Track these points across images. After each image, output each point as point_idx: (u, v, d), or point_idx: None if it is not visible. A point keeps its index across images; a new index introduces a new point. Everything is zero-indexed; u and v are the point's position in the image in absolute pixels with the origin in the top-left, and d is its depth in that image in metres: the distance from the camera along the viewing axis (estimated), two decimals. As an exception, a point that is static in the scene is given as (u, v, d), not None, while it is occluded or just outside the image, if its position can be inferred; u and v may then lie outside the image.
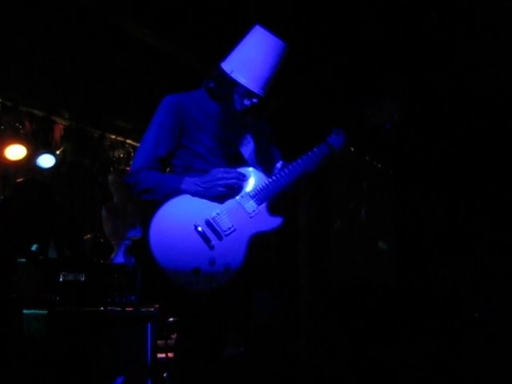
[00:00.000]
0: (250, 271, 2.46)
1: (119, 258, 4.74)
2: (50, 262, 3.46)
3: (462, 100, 6.09)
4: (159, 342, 3.89)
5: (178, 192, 2.47)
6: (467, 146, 6.76)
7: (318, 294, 6.30)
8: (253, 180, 2.53)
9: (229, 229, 2.43)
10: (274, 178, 2.54)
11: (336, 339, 6.02)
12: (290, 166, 2.58)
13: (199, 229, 2.41)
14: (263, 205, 2.48)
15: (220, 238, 2.41)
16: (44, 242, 3.81)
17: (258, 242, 2.45)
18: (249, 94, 2.57)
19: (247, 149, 2.64)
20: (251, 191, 2.50)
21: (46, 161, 5.49)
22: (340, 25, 5.11)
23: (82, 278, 3.45)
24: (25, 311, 3.12)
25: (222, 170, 2.48)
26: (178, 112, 2.58)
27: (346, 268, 7.03)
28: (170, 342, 4.15)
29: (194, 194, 2.47)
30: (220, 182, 2.44)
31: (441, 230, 7.11)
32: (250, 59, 2.57)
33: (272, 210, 2.50)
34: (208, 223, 2.43)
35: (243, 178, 2.50)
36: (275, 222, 2.48)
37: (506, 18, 4.91)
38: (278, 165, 2.71)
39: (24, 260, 3.31)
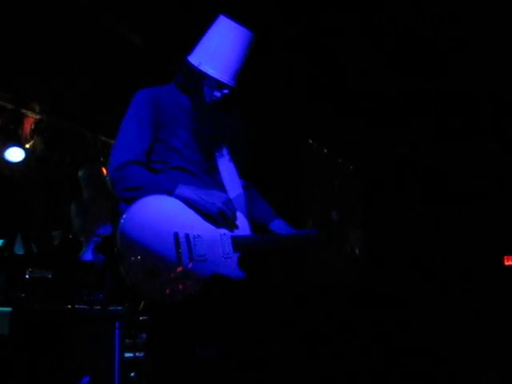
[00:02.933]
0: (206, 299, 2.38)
1: (88, 255, 4.68)
2: (16, 259, 3.40)
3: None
4: (127, 340, 3.84)
5: (169, 194, 2.38)
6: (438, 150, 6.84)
7: (291, 295, 6.29)
8: (239, 226, 2.49)
9: (201, 256, 2.34)
10: (258, 237, 2.56)
11: (309, 341, 6.02)
12: (279, 236, 2.67)
13: (178, 238, 2.30)
14: (236, 254, 2.44)
15: (191, 259, 2.31)
16: (10, 237, 3.74)
17: (219, 280, 2.38)
18: (219, 85, 2.54)
19: (232, 186, 2.59)
20: (234, 235, 2.46)
21: (15, 154, 5.39)
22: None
23: (50, 275, 3.39)
24: (-12, 309, 3.05)
25: (228, 198, 2.46)
26: (155, 105, 2.51)
27: (319, 269, 7.05)
28: (138, 341, 4.11)
29: (185, 200, 2.38)
30: (220, 205, 2.39)
31: (411, 231, 7.18)
32: (217, 50, 2.54)
33: (241, 263, 2.44)
34: (187, 238, 2.33)
35: (236, 220, 2.48)
36: (239, 273, 2.43)
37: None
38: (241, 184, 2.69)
39: (-11, 256, 3.24)
